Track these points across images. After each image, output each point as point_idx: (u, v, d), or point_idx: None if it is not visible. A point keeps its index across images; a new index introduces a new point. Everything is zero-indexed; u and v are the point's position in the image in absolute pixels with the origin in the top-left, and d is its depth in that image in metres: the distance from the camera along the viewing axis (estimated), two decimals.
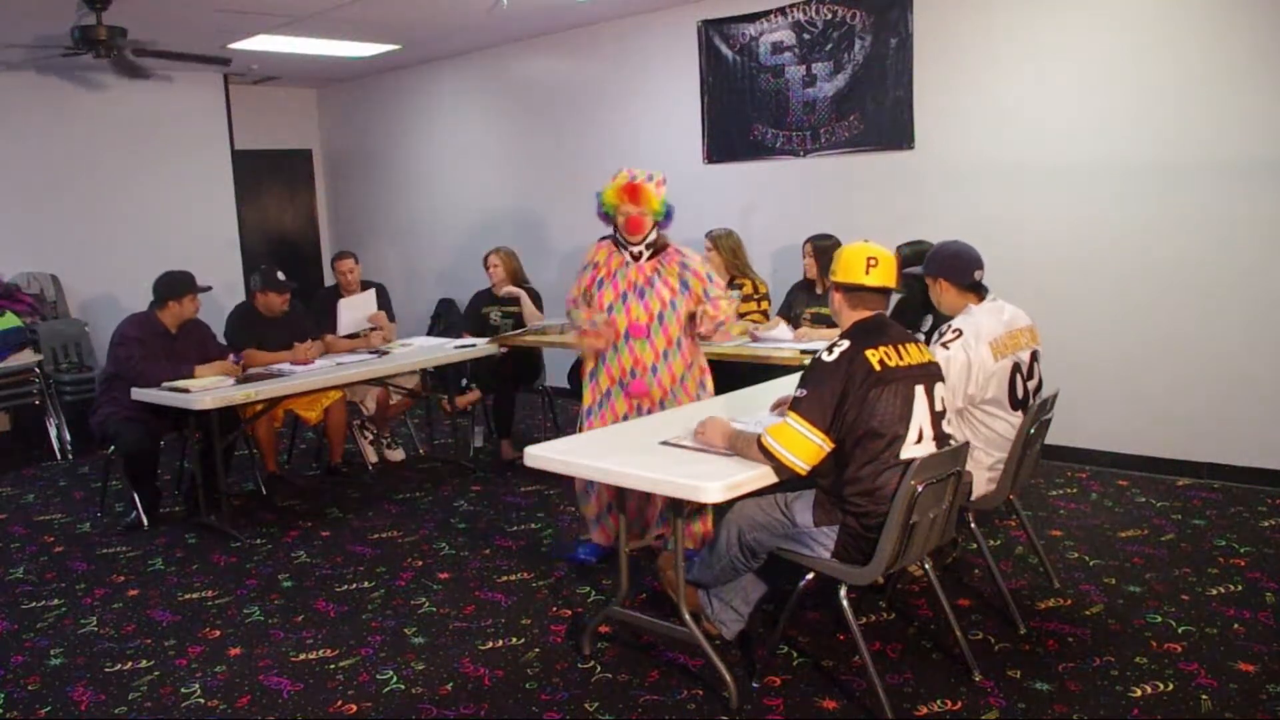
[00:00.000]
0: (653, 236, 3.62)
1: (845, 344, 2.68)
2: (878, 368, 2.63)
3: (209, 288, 4.90)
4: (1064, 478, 4.83)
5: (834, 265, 2.84)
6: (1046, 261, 4.95)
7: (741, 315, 5.03)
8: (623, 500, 3.07)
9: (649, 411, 3.62)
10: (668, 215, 3.60)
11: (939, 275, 3.33)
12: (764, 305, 5.08)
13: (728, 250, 5.10)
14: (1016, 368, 3.22)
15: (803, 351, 4.30)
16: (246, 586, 3.88)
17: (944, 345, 3.17)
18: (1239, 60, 4.38)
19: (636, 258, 3.61)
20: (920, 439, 2.69)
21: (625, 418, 3.64)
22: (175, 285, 4.67)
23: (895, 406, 2.64)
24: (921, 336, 3.73)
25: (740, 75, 6.03)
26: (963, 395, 3.15)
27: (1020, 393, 3.23)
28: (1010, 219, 5.03)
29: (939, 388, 2.79)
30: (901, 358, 2.69)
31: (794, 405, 2.67)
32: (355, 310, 5.48)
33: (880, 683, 2.68)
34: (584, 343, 3.67)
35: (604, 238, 3.74)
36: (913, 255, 4.02)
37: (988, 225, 4.92)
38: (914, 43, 5.28)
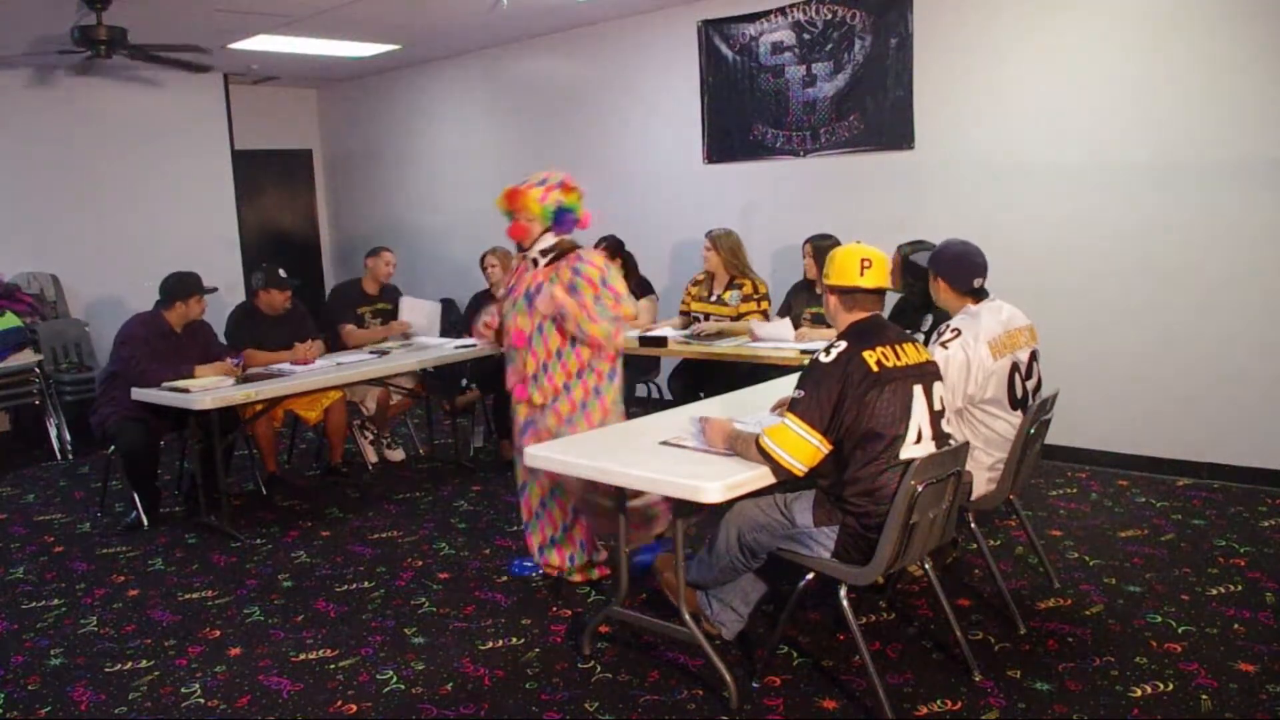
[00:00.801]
0: (546, 242, 3.49)
1: (842, 345, 2.68)
2: (875, 369, 2.63)
3: (215, 289, 4.90)
4: (1064, 478, 4.82)
5: (827, 268, 2.83)
6: (1046, 261, 4.94)
7: (741, 316, 5.04)
8: (623, 503, 3.07)
9: (533, 422, 3.55)
10: (559, 219, 3.46)
11: (939, 274, 3.33)
12: (764, 305, 5.08)
13: (727, 250, 5.10)
14: (1015, 367, 3.22)
15: (803, 351, 4.30)
16: (246, 586, 3.88)
17: (943, 345, 3.17)
18: (1239, 60, 4.38)
19: (535, 264, 3.54)
20: (919, 439, 2.69)
21: (523, 427, 3.60)
22: (183, 286, 4.67)
23: (894, 407, 2.64)
24: (921, 336, 3.73)
25: (740, 75, 6.03)
26: (962, 395, 3.15)
27: (1020, 392, 3.23)
28: (1010, 219, 5.03)
29: (937, 387, 2.79)
30: (899, 358, 2.69)
31: (792, 406, 2.67)
32: (419, 314, 5.66)
33: (880, 683, 2.68)
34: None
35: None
36: (913, 255, 4.01)
37: (988, 225, 4.92)
38: (914, 43, 5.27)
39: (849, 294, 2.77)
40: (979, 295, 3.30)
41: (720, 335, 4.85)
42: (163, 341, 4.60)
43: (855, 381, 2.61)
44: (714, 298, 5.19)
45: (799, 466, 2.64)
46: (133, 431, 4.51)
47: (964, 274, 3.28)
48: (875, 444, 2.63)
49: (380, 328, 5.58)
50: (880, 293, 2.79)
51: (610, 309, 3.41)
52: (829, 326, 4.41)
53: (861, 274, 2.75)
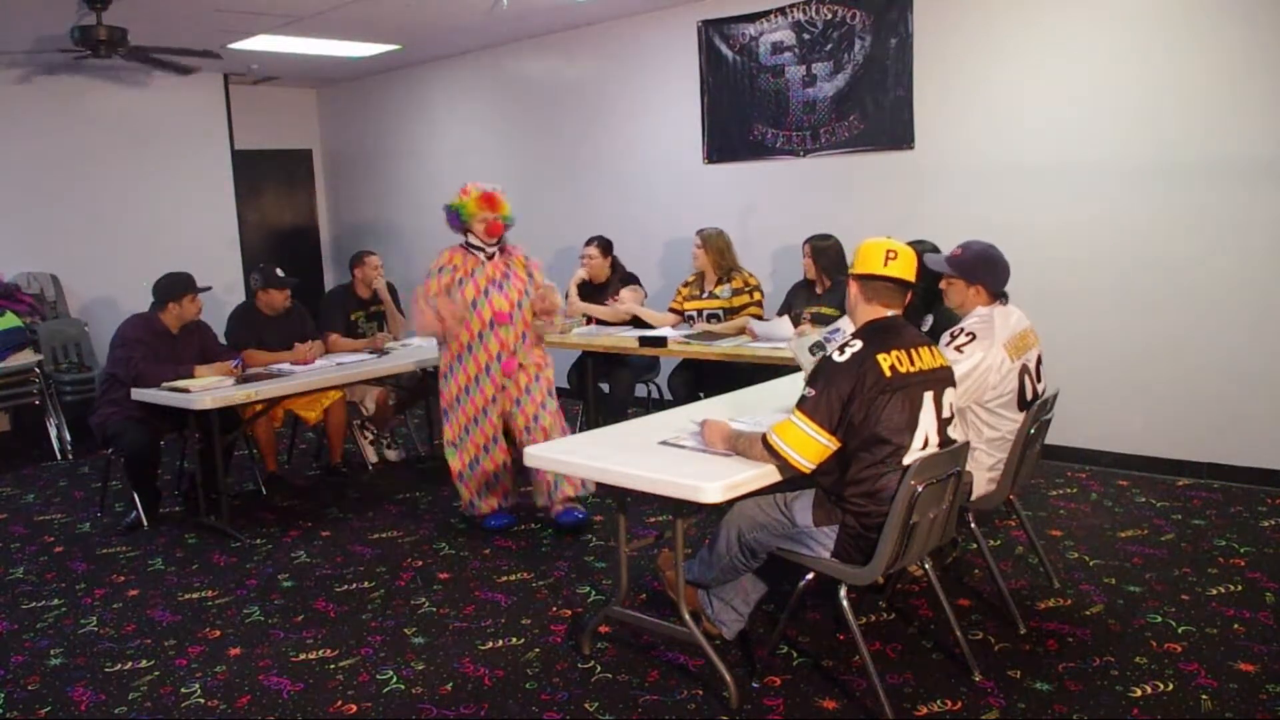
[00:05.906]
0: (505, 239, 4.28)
1: (857, 345, 2.64)
2: (888, 374, 2.59)
3: (208, 288, 4.90)
4: (1064, 478, 4.82)
5: (853, 258, 2.79)
6: (1046, 261, 4.94)
7: (738, 309, 5.05)
8: (622, 498, 3.07)
9: (511, 386, 4.26)
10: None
11: (985, 283, 3.28)
12: (757, 296, 5.11)
13: (715, 250, 5.15)
14: (1025, 369, 3.22)
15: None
16: (246, 586, 3.88)
17: (958, 349, 3.15)
18: (1239, 60, 4.38)
19: (490, 257, 4.23)
20: (925, 446, 2.66)
21: (494, 399, 4.25)
22: (174, 286, 4.67)
23: (903, 414, 2.61)
24: None
25: (740, 75, 6.03)
26: (977, 396, 3.15)
27: (1030, 394, 3.23)
28: (1010, 219, 5.03)
29: (948, 394, 2.75)
30: (914, 363, 2.65)
31: (801, 404, 2.65)
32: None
33: (880, 683, 2.68)
34: (444, 325, 4.14)
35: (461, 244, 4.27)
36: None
37: (987, 225, 4.89)
38: (914, 43, 5.28)
39: (869, 282, 2.72)
40: (1004, 299, 3.31)
41: (720, 336, 4.85)
42: (159, 343, 4.60)
43: (867, 384, 2.57)
44: (706, 294, 5.20)
45: (806, 464, 2.63)
46: (134, 432, 4.51)
47: (1003, 278, 3.30)
48: (880, 449, 2.61)
49: (361, 340, 5.44)
50: (903, 287, 2.73)
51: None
52: (829, 325, 4.43)
53: (885, 264, 2.70)
